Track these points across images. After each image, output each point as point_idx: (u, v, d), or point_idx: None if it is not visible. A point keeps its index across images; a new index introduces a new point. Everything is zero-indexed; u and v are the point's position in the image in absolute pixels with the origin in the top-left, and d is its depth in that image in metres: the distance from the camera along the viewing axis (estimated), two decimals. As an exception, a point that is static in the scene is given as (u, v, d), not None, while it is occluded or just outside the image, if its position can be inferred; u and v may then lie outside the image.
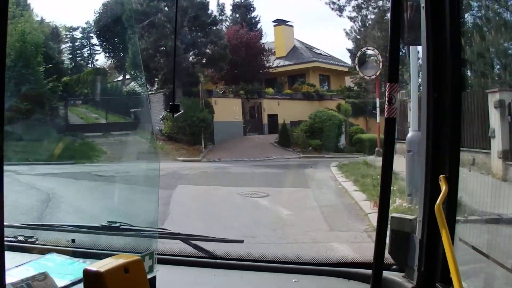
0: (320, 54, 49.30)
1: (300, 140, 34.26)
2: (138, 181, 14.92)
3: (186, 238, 3.06)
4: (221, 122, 35.15)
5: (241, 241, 3.18)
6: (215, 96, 37.27)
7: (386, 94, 2.19)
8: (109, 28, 43.59)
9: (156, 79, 36.78)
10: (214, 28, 38.14)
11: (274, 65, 46.35)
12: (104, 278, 1.76)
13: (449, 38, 2.25)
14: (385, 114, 2.19)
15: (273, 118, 40.83)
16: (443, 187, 2.19)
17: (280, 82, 46.99)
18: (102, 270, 1.78)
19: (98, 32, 47.28)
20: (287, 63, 47.28)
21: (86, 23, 50.49)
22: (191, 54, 36.33)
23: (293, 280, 2.74)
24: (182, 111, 2.79)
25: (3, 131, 1.35)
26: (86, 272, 1.83)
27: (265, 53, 45.20)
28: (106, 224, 3.13)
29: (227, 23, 47.47)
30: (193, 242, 3.05)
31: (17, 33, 28.33)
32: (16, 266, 2.62)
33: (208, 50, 36.91)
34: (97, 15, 45.95)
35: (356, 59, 29.48)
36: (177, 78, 30.72)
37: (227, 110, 36.79)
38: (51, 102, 31.43)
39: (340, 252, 8.52)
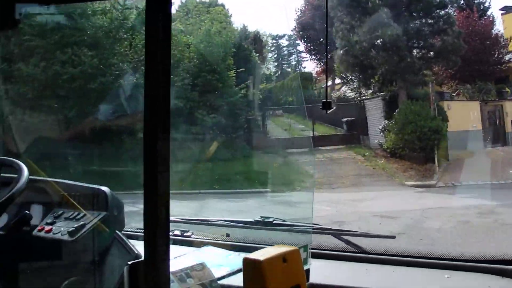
0: None
1: None
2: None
3: (338, 233, 3.09)
4: (455, 131, 26.26)
5: (393, 237, 3.16)
6: (447, 100, 29.08)
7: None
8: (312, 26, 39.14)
9: (372, 80, 28.53)
10: (443, 12, 27.69)
11: (507, 59, 35.21)
12: (263, 266, 1.83)
13: None
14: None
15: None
16: None
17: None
18: (261, 258, 1.85)
19: (302, 34, 43.27)
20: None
21: (292, 30, 47.84)
22: (414, 45, 27.41)
23: (446, 276, 2.70)
24: (334, 108, 2.81)
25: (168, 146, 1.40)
26: (246, 261, 1.89)
27: (499, 45, 35.31)
28: (260, 219, 3.21)
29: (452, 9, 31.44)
30: (345, 237, 3.07)
31: (202, 33, 24.76)
32: (175, 258, 2.75)
33: (436, 41, 27.23)
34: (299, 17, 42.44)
35: None
36: (400, 78, 26.01)
37: (463, 116, 28.20)
38: (246, 112, 25.48)
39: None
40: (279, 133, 29.74)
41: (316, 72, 42.82)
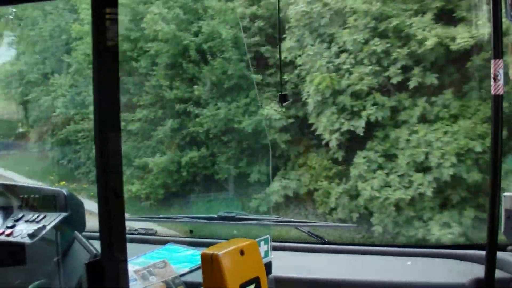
0: None
1: None
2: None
3: (300, 225, 3.11)
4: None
5: (355, 226, 3.19)
6: None
7: (492, 71, 2.16)
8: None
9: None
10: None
11: None
12: (221, 259, 1.84)
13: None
14: (492, 91, 2.16)
15: None
16: None
17: None
18: (218, 252, 1.86)
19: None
20: None
21: None
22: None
23: (408, 263, 2.75)
24: (291, 100, 2.85)
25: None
26: (203, 255, 1.91)
27: None
28: (222, 215, 3.23)
29: None
30: (308, 228, 3.10)
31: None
32: (138, 256, 2.76)
33: None
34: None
35: None
36: None
37: None
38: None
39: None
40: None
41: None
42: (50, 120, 15.06)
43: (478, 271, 2.40)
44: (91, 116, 12.90)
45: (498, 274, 2.35)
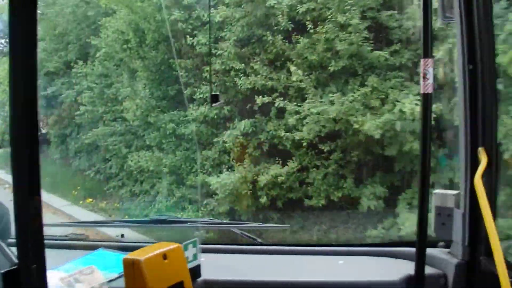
0: None
1: None
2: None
3: (231, 226, 3.09)
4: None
5: (288, 226, 3.19)
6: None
7: (421, 69, 2.18)
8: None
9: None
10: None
11: None
12: (143, 265, 1.80)
13: (482, 13, 2.24)
14: (421, 90, 2.19)
15: None
16: (482, 160, 2.17)
17: None
18: (140, 257, 1.82)
19: None
20: None
21: None
22: None
23: (339, 262, 2.74)
24: (222, 101, 2.83)
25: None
26: (125, 261, 1.86)
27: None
28: (154, 218, 3.19)
29: None
30: (241, 229, 3.08)
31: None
32: (66, 263, 2.69)
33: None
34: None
35: None
36: None
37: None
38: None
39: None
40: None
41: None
42: (73, 120, 11.96)
43: (409, 268, 2.41)
44: (127, 115, 10.42)
45: (429, 270, 2.39)
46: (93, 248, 3.03)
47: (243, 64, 9.07)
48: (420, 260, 2.24)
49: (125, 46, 10.73)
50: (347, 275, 2.62)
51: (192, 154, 9.72)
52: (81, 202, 10.90)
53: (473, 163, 2.24)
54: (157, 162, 10.04)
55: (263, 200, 8.15)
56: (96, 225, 3.47)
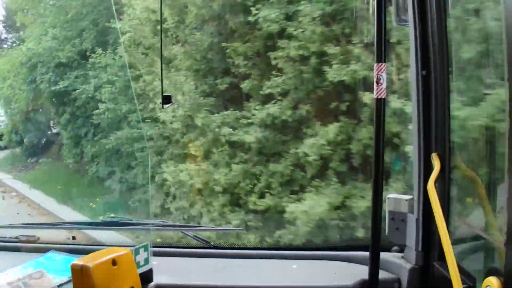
0: None
1: None
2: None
3: (184, 229, 3.07)
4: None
5: (242, 229, 3.19)
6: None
7: (374, 74, 2.19)
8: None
9: None
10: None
11: None
12: (91, 271, 1.77)
13: (436, 18, 2.25)
14: (374, 95, 2.19)
15: None
16: (436, 165, 2.19)
17: None
18: (89, 264, 1.78)
19: None
20: None
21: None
22: None
23: (293, 266, 2.74)
24: (173, 102, 2.81)
25: None
26: (73, 266, 1.83)
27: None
28: (107, 220, 3.15)
29: None
30: (194, 232, 3.06)
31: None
32: (15, 266, 2.63)
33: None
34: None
35: None
36: None
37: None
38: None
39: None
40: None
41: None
42: (90, 120, 10.41)
43: (363, 272, 2.42)
44: (162, 116, 8.23)
45: (383, 275, 2.39)
46: (43, 250, 2.98)
47: (338, 48, 6.92)
48: (374, 264, 2.25)
49: (157, 28, 9.03)
50: (300, 280, 2.62)
51: (253, 168, 7.42)
52: (101, 218, 9.11)
53: (426, 169, 2.26)
54: (204, 177, 8.15)
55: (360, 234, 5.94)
56: (46, 227, 3.40)
